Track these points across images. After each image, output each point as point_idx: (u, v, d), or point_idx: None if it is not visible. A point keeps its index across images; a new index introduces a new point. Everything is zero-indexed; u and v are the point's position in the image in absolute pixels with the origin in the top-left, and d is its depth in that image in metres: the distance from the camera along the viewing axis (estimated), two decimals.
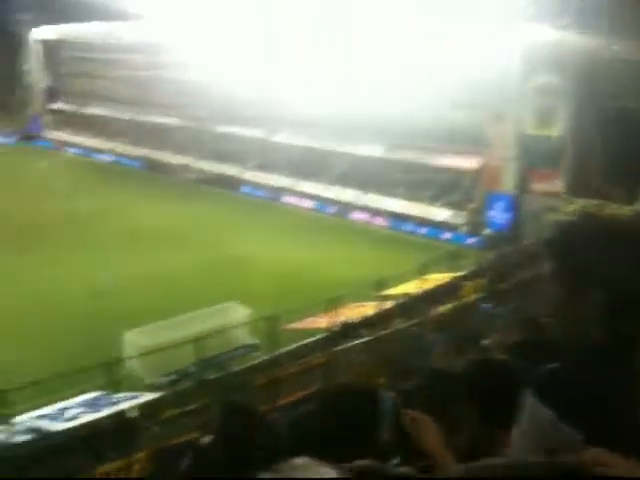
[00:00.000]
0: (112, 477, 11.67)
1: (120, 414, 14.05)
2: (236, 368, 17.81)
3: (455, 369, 2.89)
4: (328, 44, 41.25)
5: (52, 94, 71.74)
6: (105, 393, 15.73)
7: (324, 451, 1.99)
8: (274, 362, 17.30)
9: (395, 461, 2.25)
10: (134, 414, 14.02)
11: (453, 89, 34.88)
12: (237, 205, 42.01)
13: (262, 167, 47.52)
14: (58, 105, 71.27)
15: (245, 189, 46.93)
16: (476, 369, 2.68)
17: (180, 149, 54.15)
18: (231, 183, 47.45)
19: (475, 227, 34.88)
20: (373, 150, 41.07)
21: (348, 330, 19.02)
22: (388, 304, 21.71)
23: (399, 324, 19.22)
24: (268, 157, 47.44)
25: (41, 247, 31.80)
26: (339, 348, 17.05)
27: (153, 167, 54.27)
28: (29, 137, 69.96)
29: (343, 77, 41.26)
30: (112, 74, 63.42)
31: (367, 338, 17.64)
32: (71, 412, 14.11)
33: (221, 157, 50.53)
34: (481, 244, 33.12)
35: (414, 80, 36.97)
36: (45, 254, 30.68)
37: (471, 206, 35.83)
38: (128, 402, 14.98)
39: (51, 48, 72.20)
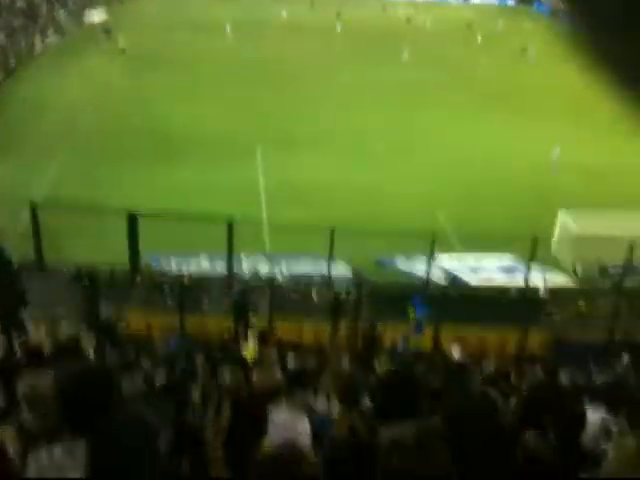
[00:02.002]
0: None
1: (532, 290, 14.14)
2: None
3: None
4: None
5: None
6: (520, 260, 16.08)
7: None
8: None
9: None
10: (543, 292, 14.10)
11: None
12: None
13: None
14: None
15: None
16: None
17: None
18: None
19: None
20: None
21: None
22: None
23: None
24: None
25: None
26: None
27: None
28: None
29: None
30: None
31: None
32: (485, 267, 14.96)
33: None
34: None
35: None
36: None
37: None
38: (540, 276, 15.01)
39: None
